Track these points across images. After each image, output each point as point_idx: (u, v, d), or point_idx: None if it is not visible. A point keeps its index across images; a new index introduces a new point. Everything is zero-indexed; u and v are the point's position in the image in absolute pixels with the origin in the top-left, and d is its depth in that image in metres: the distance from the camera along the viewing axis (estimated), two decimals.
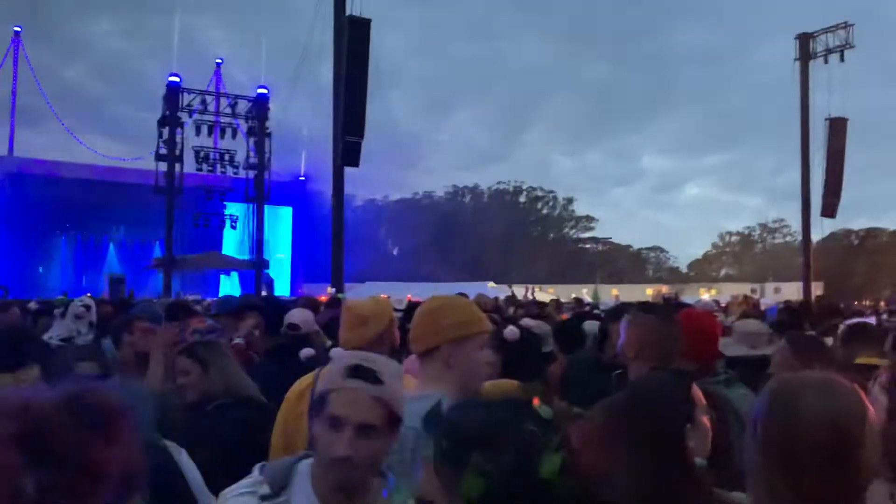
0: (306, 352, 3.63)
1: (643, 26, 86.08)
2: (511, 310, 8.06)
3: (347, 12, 14.83)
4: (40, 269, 33.90)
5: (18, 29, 37.37)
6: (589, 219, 67.09)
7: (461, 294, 7.03)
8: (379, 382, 1.57)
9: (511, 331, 3.66)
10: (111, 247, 36.64)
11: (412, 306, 6.59)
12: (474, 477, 1.01)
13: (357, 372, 1.57)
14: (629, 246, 65.43)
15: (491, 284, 32.55)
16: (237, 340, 4.10)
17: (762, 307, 10.17)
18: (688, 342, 2.56)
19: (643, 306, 2.79)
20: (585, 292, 29.05)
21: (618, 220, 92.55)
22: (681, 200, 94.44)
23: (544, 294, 28.02)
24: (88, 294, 18.46)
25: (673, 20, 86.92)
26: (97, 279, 32.09)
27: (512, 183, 66.76)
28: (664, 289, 35.93)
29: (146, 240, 34.74)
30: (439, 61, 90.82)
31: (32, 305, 8.16)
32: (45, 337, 4.57)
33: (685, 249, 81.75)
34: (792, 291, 28.96)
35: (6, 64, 36.95)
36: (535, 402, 1.13)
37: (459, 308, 2.18)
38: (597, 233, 66.91)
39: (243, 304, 4.87)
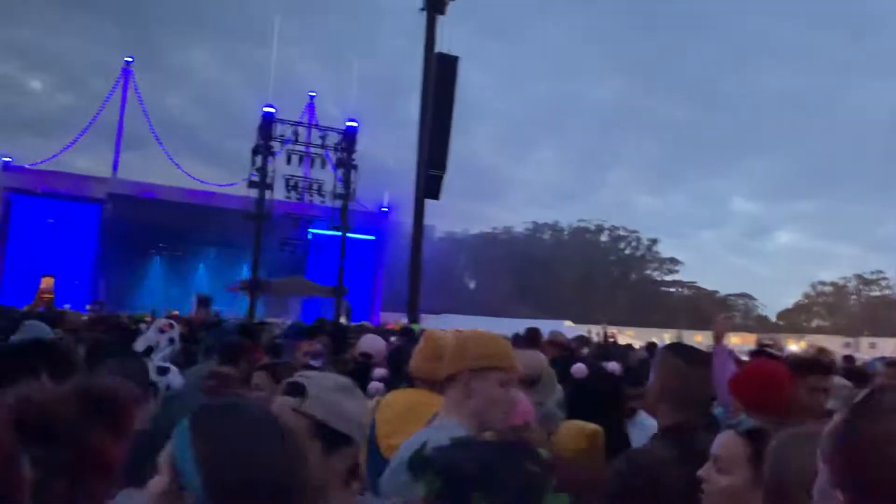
0: (379, 372, 3.70)
1: (729, 65, 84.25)
2: (584, 350, 7.92)
3: (437, 49, 15.19)
4: (135, 286, 35.58)
5: (129, 59, 39.85)
6: (673, 261, 65.51)
7: (532, 329, 7.00)
8: (302, 396, 1.59)
9: (578, 368, 3.60)
10: (201, 267, 38.16)
11: None
12: None
13: (288, 388, 1.62)
14: (715, 291, 63.35)
15: (568, 323, 32.08)
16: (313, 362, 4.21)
17: (857, 362, 9.63)
18: (755, 393, 2.49)
19: (673, 347, 2.69)
20: (667, 337, 28.25)
21: (703, 264, 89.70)
22: (770, 247, 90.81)
23: (623, 336, 27.40)
24: (175, 312, 19.25)
25: (760, 59, 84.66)
26: (187, 298, 33.45)
27: (593, 221, 66.05)
28: (753, 338, 34.53)
29: (234, 262, 36.04)
30: (523, 98, 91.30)
31: (124, 319, 8.58)
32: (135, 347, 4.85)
33: (774, 298, 78.29)
34: (889, 347, 27.34)
35: (115, 90, 39.39)
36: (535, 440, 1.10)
37: (488, 341, 2.20)
38: (681, 276, 65.22)
39: (313, 327, 5.04)
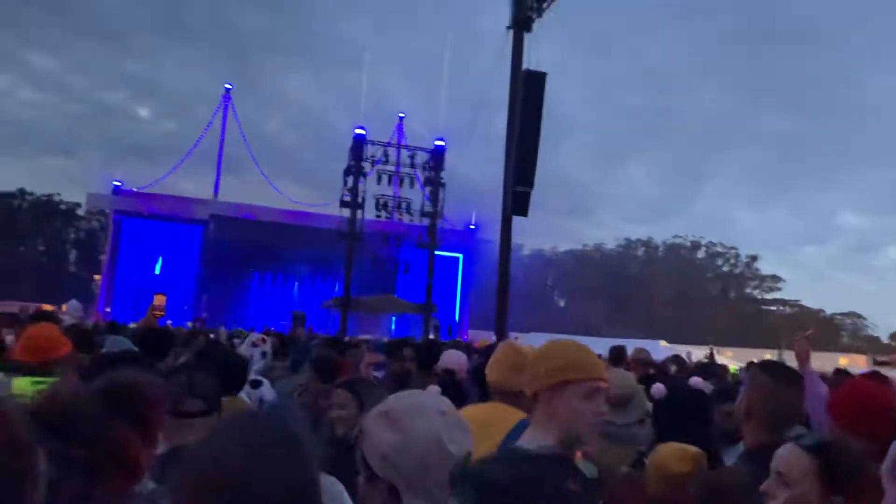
0: (433, 388, 3.67)
1: (837, 73, 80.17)
2: (673, 368, 7.58)
3: (524, 66, 15.13)
4: (234, 303, 36.97)
5: (229, 86, 41.78)
6: (775, 279, 62.66)
7: (618, 347, 6.74)
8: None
9: (657, 388, 3.42)
10: (296, 285, 39.29)
11: None
12: None
13: None
14: (820, 310, 60.11)
15: (663, 343, 31.08)
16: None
17: None
18: (855, 414, 2.30)
19: (763, 364, 2.55)
20: (769, 358, 26.89)
21: (807, 281, 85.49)
22: (880, 262, 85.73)
23: (722, 357, 26.30)
24: (267, 327, 19.85)
25: (871, 68, 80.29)
26: (283, 315, 34.44)
27: (689, 237, 64.05)
28: (863, 359, 32.46)
29: (328, 280, 36.95)
30: (613, 112, 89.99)
31: (222, 334, 8.90)
32: None
33: (886, 317, 73.74)
34: None
35: (216, 116, 41.32)
36: (578, 456, 1.01)
37: (561, 352, 2.08)
38: (783, 294, 62.32)
39: (399, 341, 5.08)
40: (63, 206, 55.05)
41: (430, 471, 1.45)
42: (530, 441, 1.99)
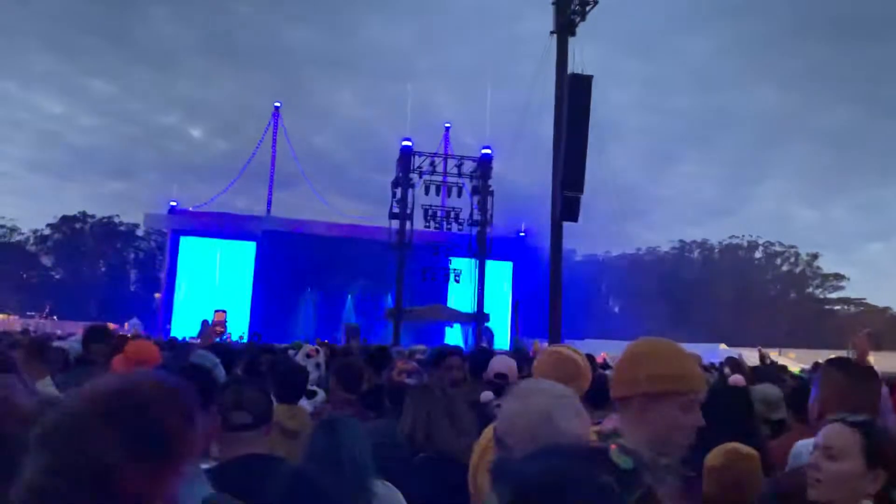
0: (486, 395, 3.61)
1: (889, 65, 77.25)
2: (727, 370, 7.36)
3: (570, 70, 14.98)
4: (289, 317, 37.52)
5: (278, 104, 42.55)
6: (837, 277, 60.52)
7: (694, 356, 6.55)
8: None
9: None
10: (349, 298, 39.65)
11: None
12: None
13: None
14: (888, 308, 57.79)
15: (723, 346, 30.31)
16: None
17: None
18: None
19: (835, 361, 2.45)
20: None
21: (872, 279, 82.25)
22: None
23: (785, 359, 25.48)
24: (319, 339, 20.12)
25: None
26: (336, 327, 34.80)
27: (746, 237, 62.41)
28: None
29: (380, 292, 37.19)
30: (663, 114, 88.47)
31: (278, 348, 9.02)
32: None
33: None
34: None
35: (267, 133, 42.15)
36: (613, 448, 0.95)
37: (664, 358, 1.94)
38: (847, 292, 60.09)
39: (446, 348, 5.04)
40: (122, 228, 56.82)
41: (539, 441, 1.57)
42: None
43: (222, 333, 22.70)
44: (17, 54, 77.42)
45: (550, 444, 1.49)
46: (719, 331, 43.03)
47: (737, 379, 3.83)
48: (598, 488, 0.90)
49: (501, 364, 4.18)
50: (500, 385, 3.90)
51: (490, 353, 5.46)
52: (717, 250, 63.56)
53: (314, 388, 4.86)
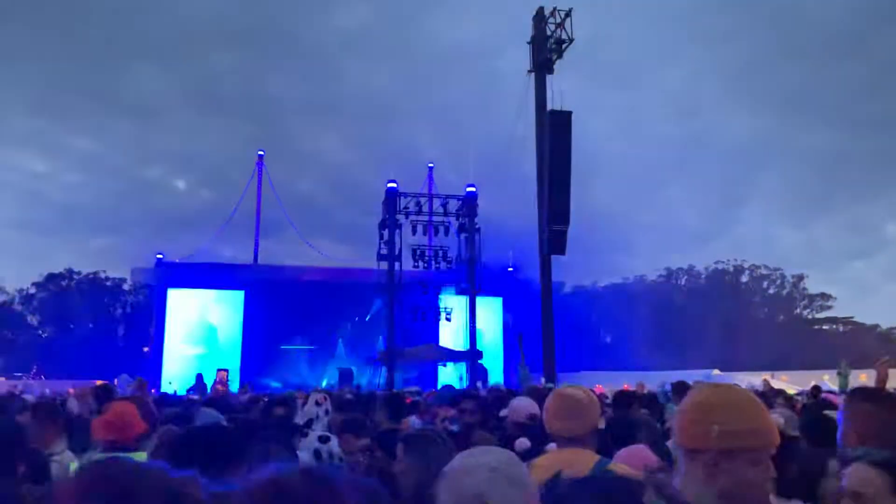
0: (522, 442, 3.62)
1: (873, 85, 78.98)
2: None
3: (549, 106, 15.28)
4: (281, 365, 37.24)
5: (262, 152, 42.81)
6: (824, 296, 60.98)
7: (680, 383, 6.64)
8: None
9: None
10: (339, 342, 39.43)
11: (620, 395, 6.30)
12: None
13: None
14: (876, 325, 58.20)
15: (716, 372, 30.39)
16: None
17: None
18: None
19: (860, 392, 2.46)
20: (827, 379, 26.06)
21: (859, 297, 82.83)
22: None
23: (777, 381, 25.57)
24: (321, 389, 19.93)
25: None
26: (328, 372, 34.53)
27: (731, 262, 62.92)
28: None
29: (370, 334, 37.03)
30: (643, 142, 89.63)
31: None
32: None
33: None
34: None
35: (251, 183, 42.28)
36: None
37: (739, 413, 1.84)
38: (835, 312, 60.49)
39: (460, 393, 5.06)
40: (109, 283, 56.42)
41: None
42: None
43: (225, 392, 22.57)
44: (0, 116, 77.59)
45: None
46: (711, 357, 43.15)
47: (780, 412, 3.86)
48: None
49: (530, 405, 4.21)
50: (533, 427, 3.90)
51: (503, 393, 5.53)
52: (703, 276, 63.96)
53: (327, 433, 4.91)
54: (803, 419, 4.14)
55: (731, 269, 63.01)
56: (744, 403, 1.87)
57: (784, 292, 62.70)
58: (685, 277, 64.82)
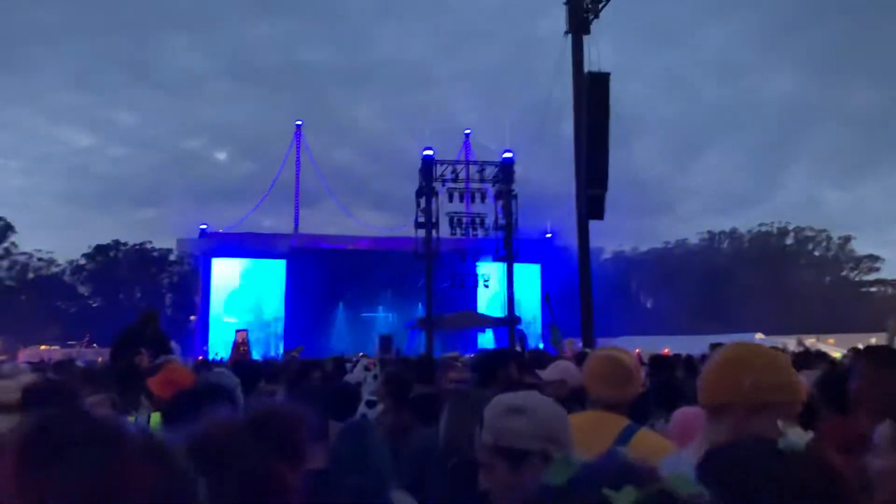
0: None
1: None
2: None
3: (587, 68, 15.00)
4: (323, 332, 37.84)
5: (300, 123, 43.03)
6: (872, 258, 59.46)
7: (717, 345, 6.61)
8: None
9: None
10: (380, 309, 39.89)
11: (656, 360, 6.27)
12: None
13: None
14: None
15: (759, 336, 29.96)
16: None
17: None
18: None
19: (867, 350, 2.40)
20: (875, 342, 25.53)
21: None
22: None
23: (824, 345, 25.14)
24: (362, 354, 20.24)
25: None
26: (369, 339, 35.05)
27: (776, 224, 61.61)
28: None
29: (410, 301, 37.38)
30: (685, 104, 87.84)
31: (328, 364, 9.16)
32: None
33: None
34: None
35: (290, 153, 42.63)
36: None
37: (769, 367, 1.85)
38: (883, 274, 59.00)
39: (499, 355, 5.09)
40: (155, 254, 57.77)
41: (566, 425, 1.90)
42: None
43: (245, 353, 22.93)
44: (46, 91, 79.26)
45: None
46: (754, 321, 42.49)
47: (808, 374, 3.78)
48: None
49: (564, 370, 4.17)
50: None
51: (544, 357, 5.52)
52: (746, 239, 62.79)
53: (373, 398, 5.01)
54: (821, 379, 4.04)
55: (776, 231, 61.72)
56: (773, 359, 1.89)
57: (830, 255, 61.27)
58: (728, 241, 63.72)
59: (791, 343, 20.97)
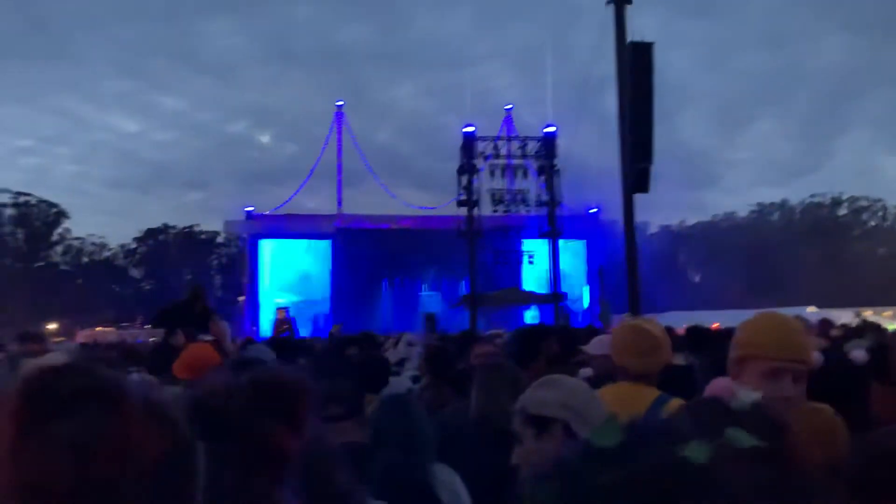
0: (585, 371, 3.62)
1: None
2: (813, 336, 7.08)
3: (629, 39, 14.64)
4: (368, 311, 38.19)
5: (341, 103, 43.13)
6: None
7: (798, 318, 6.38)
8: None
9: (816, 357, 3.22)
10: (423, 288, 40.03)
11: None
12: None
13: None
14: None
15: (811, 309, 29.20)
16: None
17: None
18: None
19: None
20: None
21: None
22: None
23: (880, 317, 24.38)
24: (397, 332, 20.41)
25: None
26: (414, 318, 35.24)
27: (828, 194, 59.78)
28: None
29: (453, 280, 37.42)
30: (732, 73, 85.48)
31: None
32: None
33: None
34: None
35: (332, 134, 42.79)
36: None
37: (761, 327, 2.02)
38: None
39: (538, 330, 5.04)
40: (203, 236, 58.96)
41: (593, 403, 2.02)
42: None
43: (287, 330, 23.14)
44: (94, 79, 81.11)
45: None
46: (807, 293, 41.42)
47: (858, 355, 3.65)
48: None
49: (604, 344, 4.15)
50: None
51: (573, 333, 5.46)
52: (798, 210, 61.15)
53: (418, 373, 5.03)
54: (868, 348, 3.87)
55: (829, 201, 59.93)
56: (763, 319, 2.05)
57: (886, 224, 59.29)
58: (778, 213, 62.11)
59: (846, 316, 20.40)
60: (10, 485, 0.74)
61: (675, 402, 2.50)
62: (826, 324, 9.91)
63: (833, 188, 60.17)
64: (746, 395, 1.34)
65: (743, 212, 62.08)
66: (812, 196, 60.19)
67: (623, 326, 2.85)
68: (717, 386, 2.96)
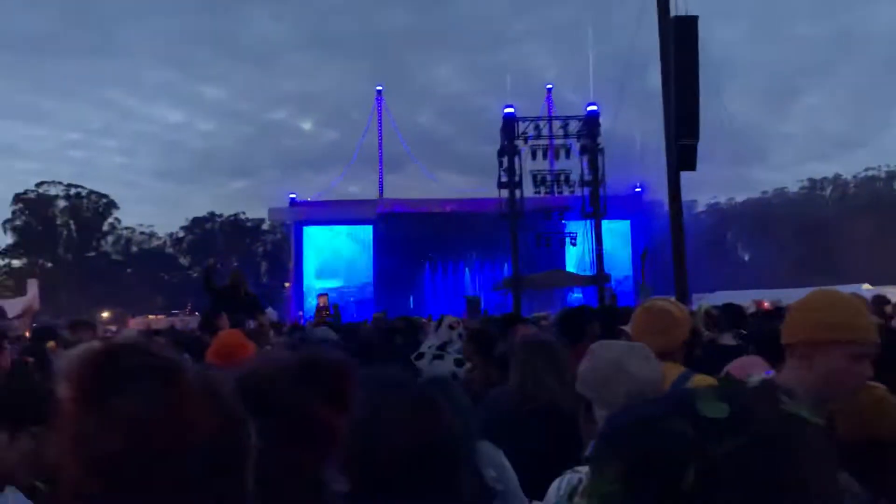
0: None
1: None
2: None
3: (672, 13, 14.31)
4: (411, 295, 38.44)
5: (380, 88, 43.15)
6: None
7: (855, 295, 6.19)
8: None
9: None
10: (466, 271, 40.07)
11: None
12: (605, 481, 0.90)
13: None
14: None
15: (866, 286, 28.35)
16: None
17: None
18: None
19: None
20: None
21: None
22: None
23: None
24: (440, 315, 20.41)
25: None
26: (457, 301, 35.30)
27: (883, 168, 57.82)
28: None
29: (496, 262, 37.35)
30: (779, 45, 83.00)
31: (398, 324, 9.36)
32: (425, 345, 5.25)
33: None
34: None
35: (372, 119, 42.89)
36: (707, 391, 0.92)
37: (837, 308, 1.97)
38: None
39: (583, 312, 5.03)
40: (249, 224, 59.91)
41: (612, 387, 1.93)
42: None
43: (328, 316, 23.34)
44: (138, 71, 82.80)
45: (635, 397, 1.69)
46: (861, 271, 40.21)
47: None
48: (669, 435, 0.86)
49: None
50: None
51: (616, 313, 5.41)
52: (851, 185, 59.32)
53: (461, 356, 5.03)
54: None
55: (884, 175, 57.96)
56: (843, 301, 2.01)
57: None
58: (831, 188, 60.34)
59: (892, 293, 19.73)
60: (72, 458, 0.77)
61: (700, 378, 2.53)
62: (880, 300, 9.62)
63: (888, 161, 58.19)
64: (759, 376, 1.38)
65: (794, 187, 60.53)
66: (867, 170, 58.35)
67: (640, 308, 2.92)
68: (745, 363, 2.92)
